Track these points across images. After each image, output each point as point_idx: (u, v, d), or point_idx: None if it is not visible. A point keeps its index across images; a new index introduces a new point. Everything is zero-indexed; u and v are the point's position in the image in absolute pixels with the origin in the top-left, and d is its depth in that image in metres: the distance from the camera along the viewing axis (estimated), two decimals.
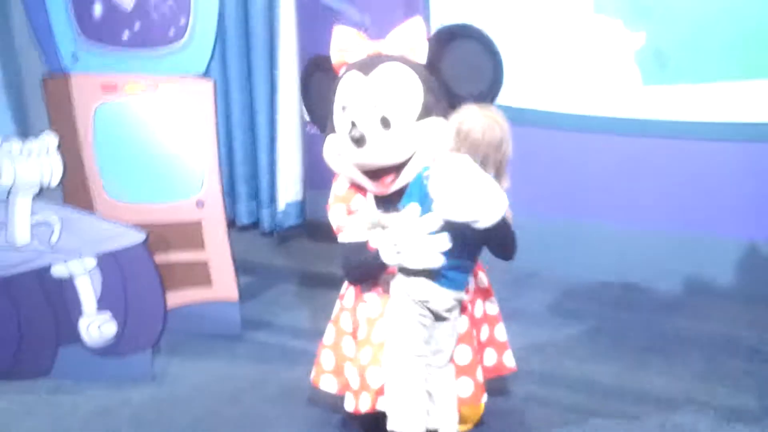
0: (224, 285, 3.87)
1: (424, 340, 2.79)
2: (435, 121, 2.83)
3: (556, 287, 4.16)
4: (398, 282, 2.80)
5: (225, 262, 3.86)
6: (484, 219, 2.56)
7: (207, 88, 3.77)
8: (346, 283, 3.13)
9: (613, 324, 3.88)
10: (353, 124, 2.83)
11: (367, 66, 2.87)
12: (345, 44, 2.98)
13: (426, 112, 2.83)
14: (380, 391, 2.80)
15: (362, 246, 2.85)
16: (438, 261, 2.66)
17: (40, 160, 3.49)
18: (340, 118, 2.92)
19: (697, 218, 4.07)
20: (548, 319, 3.90)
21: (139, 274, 3.52)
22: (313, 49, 4.80)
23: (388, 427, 2.79)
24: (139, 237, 3.50)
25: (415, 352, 2.77)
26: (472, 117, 2.62)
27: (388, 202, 2.89)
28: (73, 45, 3.81)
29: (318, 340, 3.76)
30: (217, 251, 3.85)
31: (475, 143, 2.59)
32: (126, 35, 3.80)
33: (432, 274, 2.72)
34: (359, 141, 2.79)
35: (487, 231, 2.59)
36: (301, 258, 4.90)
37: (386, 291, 2.88)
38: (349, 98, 2.87)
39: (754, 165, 3.98)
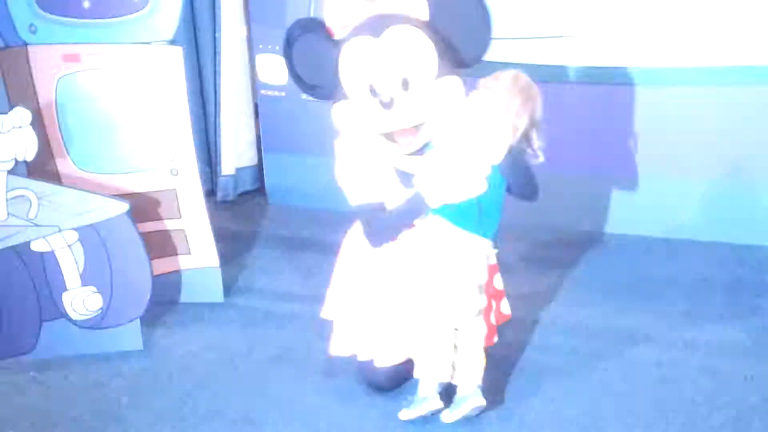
0: (203, 251, 3.86)
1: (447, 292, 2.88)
2: (451, 79, 2.88)
3: (528, 238, 4.26)
4: (427, 234, 2.87)
5: (203, 228, 3.85)
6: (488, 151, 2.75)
7: (175, 54, 3.72)
8: (348, 247, 3.15)
9: (589, 270, 4.02)
10: (373, 89, 2.84)
11: (374, 28, 2.85)
12: (341, 5, 2.97)
13: (441, 70, 2.86)
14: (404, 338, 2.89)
15: (381, 207, 2.90)
16: (482, 186, 2.77)
17: (12, 134, 3.39)
18: (353, 83, 2.90)
19: (662, 163, 4.25)
20: (525, 269, 3.99)
21: (124, 245, 3.48)
22: (261, 8, 4.83)
23: (415, 374, 2.89)
24: (122, 207, 3.46)
25: (438, 303, 2.87)
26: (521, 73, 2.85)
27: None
28: (30, 16, 3.71)
29: (302, 302, 3.86)
30: (194, 218, 3.83)
31: (531, 95, 2.80)
32: (87, 3, 3.71)
33: (460, 220, 2.81)
34: (388, 104, 2.81)
35: (506, 167, 2.79)
36: (266, 223, 4.89)
37: (405, 246, 2.94)
38: (364, 63, 2.86)
39: (721, 109, 4.14)
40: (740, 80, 4.06)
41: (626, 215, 4.36)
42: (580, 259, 4.15)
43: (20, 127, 3.38)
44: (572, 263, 4.11)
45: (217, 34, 4.92)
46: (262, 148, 5.15)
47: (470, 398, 2.90)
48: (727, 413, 2.97)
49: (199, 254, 3.87)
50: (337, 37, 2.96)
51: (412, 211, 2.92)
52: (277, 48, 4.81)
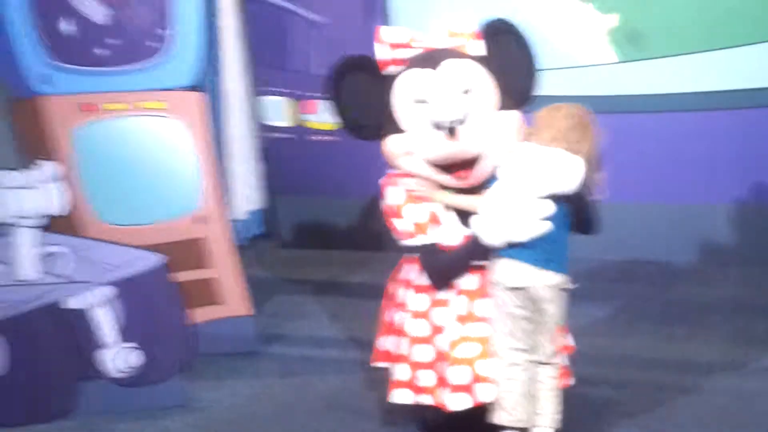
0: (236, 300, 3.76)
1: (523, 333, 2.80)
2: (510, 113, 2.86)
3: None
4: (494, 271, 2.81)
5: (234, 276, 3.75)
6: (556, 186, 2.68)
7: (195, 100, 3.65)
8: (404, 291, 3.07)
9: (625, 300, 4.01)
10: (434, 118, 2.81)
11: (430, 61, 2.84)
12: (393, 42, 2.94)
13: (500, 103, 2.86)
14: (480, 382, 2.79)
15: (435, 247, 2.86)
16: (545, 225, 2.70)
17: (41, 189, 3.27)
18: (409, 114, 2.87)
19: (686, 189, 4.28)
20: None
21: (161, 298, 3.37)
22: (263, 52, 4.78)
23: (494, 420, 2.81)
24: (158, 259, 3.35)
25: (513, 345, 2.79)
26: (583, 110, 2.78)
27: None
28: (43, 66, 3.60)
29: (335, 347, 3.78)
30: (225, 266, 3.73)
31: (588, 128, 2.74)
32: (101, 51, 3.62)
33: (530, 257, 2.75)
34: (453, 133, 2.77)
35: (570, 204, 2.72)
36: (281, 267, 4.81)
37: (466, 286, 2.88)
38: (423, 93, 2.83)
39: (736, 132, 4.21)
40: None
41: (654, 241, 4.39)
42: (614, 288, 4.15)
43: (50, 180, 3.27)
44: (607, 293, 4.11)
45: (216, 78, 4.83)
46: (271, 191, 5.04)
47: None
48: None
49: (232, 303, 3.76)
50: (387, 72, 2.93)
51: (476, 251, 2.87)
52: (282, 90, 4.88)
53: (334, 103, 3.03)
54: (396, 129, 2.89)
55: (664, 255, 4.36)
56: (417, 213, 2.90)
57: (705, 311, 3.89)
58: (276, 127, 4.92)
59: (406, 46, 2.93)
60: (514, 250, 2.76)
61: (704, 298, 4.02)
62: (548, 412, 2.83)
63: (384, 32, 2.96)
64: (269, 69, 4.81)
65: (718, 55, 4.23)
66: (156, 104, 3.60)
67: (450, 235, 2.88)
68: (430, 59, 2.85)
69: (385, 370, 3.09)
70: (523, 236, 2.73)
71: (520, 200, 2.73)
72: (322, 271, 4.67)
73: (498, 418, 2.80)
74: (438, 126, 2.79)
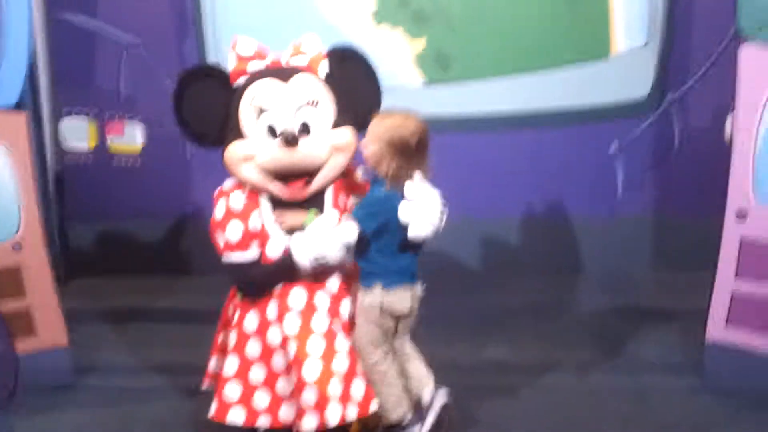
0: (51, 331, 3.60)
1: (386, 339, 3.05)
2: (347, 130, 3.07)
3: None
4: (373, 298, 3.00)
5: (51, 306, 3.59)
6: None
7: (18, 120, 3.48)
8: (235, 313, 3.12)
9: (432, 309, 4.28)
10: (272, 129, 2.95)
11: (282, 74, 3.00)
12: (247, 53, 3.05)
13: (338, 121, 3.06)
14: (345, 399, 2.92)
15: (257, 262, 3.00)
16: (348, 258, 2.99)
17: None
18: (253, 122, 2.98)
19: (487, 204, 4.71)
20: None
21: None
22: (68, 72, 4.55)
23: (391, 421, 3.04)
24: None
25: (380, 350, 3.03)
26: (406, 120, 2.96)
27: (288, 211, 3.03)
28: None
29: (151, 375, 3.76)
30: (41, 296, 3.57)
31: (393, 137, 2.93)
32: None
33: (411, 277, 3.03)
34: (292, 141, 2.92)
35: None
36: (75, 297, 4.56)
37: (291, 304, 3.01)
38: (269, 103, 2.96)
39: (527, 150, 4.76)
40: None
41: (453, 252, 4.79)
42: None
43: None
44: None
45: (41, 99, 4.60)
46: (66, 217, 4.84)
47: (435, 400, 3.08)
48: None
49: (46, 334, 3.60)
50: (236, 83, 3.04)
51: (288, 267, 3.00)
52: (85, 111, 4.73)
53: (176, 108, 3.07)
54: (239, 136, 3.01)
55: (461, 266, 4.74)
56: (238, 229, 3.00)
57: (508, 316, 4.31)
58: (76, 149, 4.72)
59: (257, 58, 3.06)
60: (395, 274, 3.00)
61: (506, 305, 4.44)
62: (420, 382, 3.12)
63: (237, 44, 3.06)
64: (73, 88, 4.62)
65: (513, 79, 4.76)
66: None
67: (274, 248, 3.01)
68: (280, 72, 3.03)
69: (215, 392, 3.13)
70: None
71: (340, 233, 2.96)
72: (124, 298, 4.55)
73: (389, 419, 3.06)
74: (276, 134, 2.95)
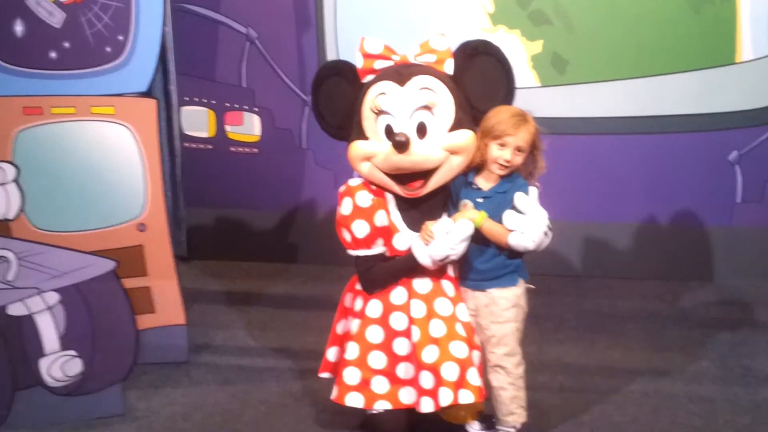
0: (170, 310, 3.74)
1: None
2: (465, 132, 3.03)
3: None
4: (505, 293, 3.06)
5: (170, 286, 3.73)
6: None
7: (149, 107, 3.62)
8: (354, 301, 3.19)
9: (540, 311, 4.26)
10: (391, 130, 2.97)
11: (400, 75, 2.99)
12: (373, 52, 3.07)
13: (457, 123, 3.02)
14: (459, 384, 2.96)
15: (382, 257, 3.05)
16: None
17: None
18: (372, 122, 3.01)
19: (602, 207, 4.71)
20: None
21: (108, 305, 3.33)
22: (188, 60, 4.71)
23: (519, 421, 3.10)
24: (108, 265, 3.31)
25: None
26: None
27: (413, 206, 3.07)
28: None
29: (270, 357, 3.88)
30: (162, 276, 3.71)
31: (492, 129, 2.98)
32: (54, 55, 3.53)
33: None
34: (403, 146, 2.91)
35: None
36: (198, 277, 4.76)
37: (418, 289, 3.06)
38: (386, 105, 2.97)
39: (643, 155, 4.70)
40: None
41: (562, 256, 4.76)
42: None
43: (4, 182, 3.18)
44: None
45: (171, 87, 4.76)
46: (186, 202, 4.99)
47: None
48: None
49: (164, 312, 3.74)
50: (364, 80, 3.09)
51: (411, 265, 3.03)
52: (204, 100, 4.88)
53: (313, 101, 3.22)
54: (361, 135, 3.06)
55: (576, 270, 4.74)
56: (364, 227, 3.03)
57: (617, 321, 4.27)
58: (193, 137, 4.88)
59: (383, 57, 3.08)
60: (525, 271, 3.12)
61: (617, 309, 4.41)
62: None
63: (366, 42, 3.10)
64: (194, 77, 4.77)
65: (631, 83, 4.69)
66: (105, 109, 3.55)
67: (401, 242, 3.05)
68: (399, 73, 3.02)
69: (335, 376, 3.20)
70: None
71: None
72: (240, 282, 4.69)
73: (518, 418, 3.11)
74: (390, 137, 2.97)
